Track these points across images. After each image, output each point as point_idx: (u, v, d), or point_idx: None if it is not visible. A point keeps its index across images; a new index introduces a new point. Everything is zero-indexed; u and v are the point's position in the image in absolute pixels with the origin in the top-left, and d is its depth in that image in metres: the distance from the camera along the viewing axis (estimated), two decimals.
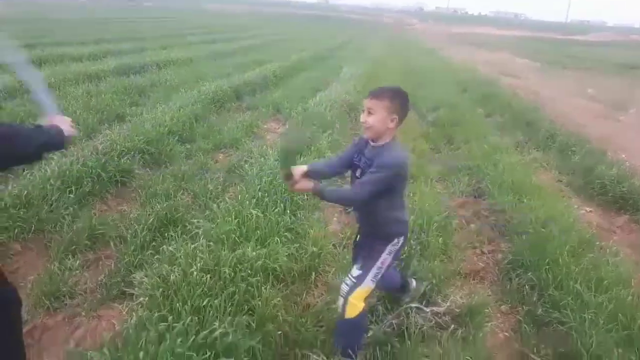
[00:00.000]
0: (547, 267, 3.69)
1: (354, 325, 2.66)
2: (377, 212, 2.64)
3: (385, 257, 2.68)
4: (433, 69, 17.66)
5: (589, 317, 3.05)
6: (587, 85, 17.48)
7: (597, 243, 4.41)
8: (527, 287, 3.64)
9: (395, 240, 2.69)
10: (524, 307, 3.51)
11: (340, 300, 2.66)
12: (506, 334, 3.30)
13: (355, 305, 2.60)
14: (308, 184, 2.60)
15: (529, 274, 3.75)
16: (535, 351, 3.00)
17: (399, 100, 2.51)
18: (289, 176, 2.59)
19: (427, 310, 3.27)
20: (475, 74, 16.84)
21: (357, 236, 2.96)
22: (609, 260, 3.87)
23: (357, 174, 2.64)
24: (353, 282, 2.65)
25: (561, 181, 6.51)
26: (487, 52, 32.73)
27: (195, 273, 3.05)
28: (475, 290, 3.69)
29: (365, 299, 2.65)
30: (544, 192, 5.36)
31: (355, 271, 2.68)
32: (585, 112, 11.96)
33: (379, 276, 2.68)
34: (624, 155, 8.00)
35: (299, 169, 2.66)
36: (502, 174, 5.80)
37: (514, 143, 8.04)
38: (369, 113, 2.51)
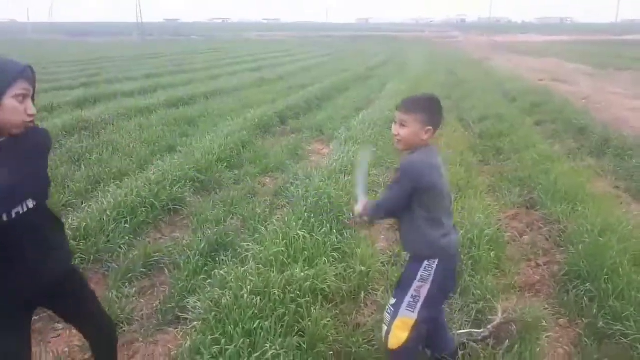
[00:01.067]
0: (607, 277, 3.53)
1: (398, 358, 2.54)
2: (403, 230, 2.50)
3: (419, 285, 2.43)
4: (478, 79, 17.40)
5: None
6: None
7: None
8: (585, 299, 3.49)
9: (426, 264, 2.41)
10: (584, 319, 3.36)
11: (383, 329, 2.53)
12: (566, 347, 3.17)
13: (396, 335, 2.44)
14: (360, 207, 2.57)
15: (587, 285, 3.59)
16: None
17: (432, 110, 2.38)
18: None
19: (479, 332, 3.17)
20: (522, 82, 16.46)
21: None
22: None
23: None
24: (391, 310, 2.51)
25: (618, 187, 6.23)
26: (534, 59, 31.94)
27: (245, 296, 3.11)
28: (532, 304, 3.57)
29: (411, 329, 2.43)
30: (599, 200, 5.15)
31: (392, 299, 2.54)
32: None
33: (419, 306, 2.43)
34: None
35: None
36: (554, 183, 5.62)
37: (566, 151, 7.78)
38: (401, 125, 2.37)
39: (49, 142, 2.00)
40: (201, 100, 12.83)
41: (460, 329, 3.23)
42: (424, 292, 2.43)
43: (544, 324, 3.23)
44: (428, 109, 2.39)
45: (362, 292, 3.71)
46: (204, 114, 10.73)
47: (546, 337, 3.20)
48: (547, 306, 3.64)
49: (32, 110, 1.82)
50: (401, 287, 2.52)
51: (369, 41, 64.55)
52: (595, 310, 3.36)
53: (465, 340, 3.07)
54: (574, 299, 3.59)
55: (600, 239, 4.10)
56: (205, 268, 3.98)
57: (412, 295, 2.44)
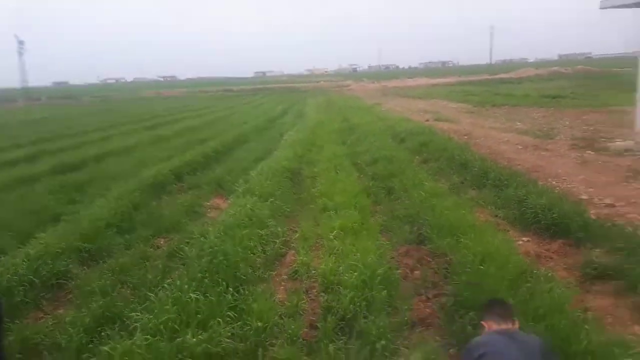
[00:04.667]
0: None
1: None
2: None
3: None
4: (370, 123, 18.25)
5: None
6: (516, 119, 18.49)
7: (535, 271, 4.56)
8: (470, 327, 3.69)
9: None
10: None
11: None
12: None
13: None
14: None
15: (471, 313, 3.81)
16: None
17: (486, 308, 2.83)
18: None
19: None
20: (410, 124, 17.51)
21: None
22: (544, 287, 3.99)
23: None
24: None
25: (498, 216, 6.75)
26: (422, 101, 34.22)
27: None
28: (424, 339, 3.71)
29: None
30: (480, 230, 5.54)
31: None
32: (515, 145, 12.59)
33: None
34: (554, 182, 8.43)
35: None
36: (439, 217, 5.98)
37: (450, 185, 8.33)
38: None
39: None
40: (92, 163, 12.26)
41: None
42: None
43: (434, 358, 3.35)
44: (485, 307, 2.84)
45: (260, 349, 3.66)
46: (94, 177, 10.25)
47: None
48: (438, 338, 3.80)
49: None
50: None
51: (269, 93, 65.88)
52: None
53: None
54: (461, 328, 3.78)
55: (481, 267, 4.39)
56: (90, 345, 3.73)
57: None
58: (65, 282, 5.01)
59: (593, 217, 6.12)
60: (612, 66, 66.08)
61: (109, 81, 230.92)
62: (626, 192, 7.48)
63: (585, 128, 14.72)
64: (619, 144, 11.26)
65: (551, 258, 5.27)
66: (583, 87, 32.82)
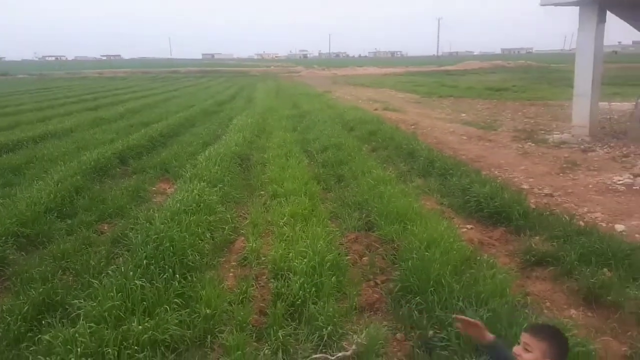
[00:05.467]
0: (432, 289, 3.88)
1: None
2: None
3: None
4: (321, 111, 18.27)
5: None
6: (461, 111, 19.03)
7: (478, 258, 4.73)
8: (416, 312, 3.79)
9: None
10: (416, 331, 3.64)
11: None
12: None
13: None
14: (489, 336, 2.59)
15: (417, 298, 3.91)
16: None
17: (556, 343, 2.39)
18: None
19: (333, 358, 3.27)
20: (360, 112, 17.66)
21: None
22: (486, 273, 4.14)
23: None
24: None
25: (443, 204, 6.94)
26: (371, 90, 34.59)
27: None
28: (371, 324, 3.77)
29: None
30: (426, 217, 5.68)
31: None
32: (460, 136, 12.97)
33: None
34: (496, 172, 8.76)
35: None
36: (387, 205, 6.08)
37: (398, 173, 8.48)
38: (525, 349, 2.39)
39: None
40: (29, 145, 11.65)
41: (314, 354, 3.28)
42: None
43: (379, 342, 3.41)
44: (554, 343, 2.39)
45: (209, 336, 3.62)
46: (32, 160, 9.75)
47: (384, 353, 3.41)
48: (385, 323, 3.88)
49: None
50: None
51: (217, 76, 64.61)
52: (425, 321, 3.67)
53: None
54: (407, 312, 3.88)
55: (427, 253, 4.51)
56: (30, 334, 3.57)
57: None
58: (1, 268, 4.75)
59: (533, 206, 6.41)
60: (552, 62, 69.15)
61: (48, 59, 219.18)
62: (563, 182, 7.87)
63: (526, 120, 15.35)
64: (557, 136, 11.82)
65: (493, 245, 5.48)
66: (524, 81, 34.15)
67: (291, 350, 3.40)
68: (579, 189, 7.45)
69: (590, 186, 7.59)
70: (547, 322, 2.76)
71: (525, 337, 2.41)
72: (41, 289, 4.09)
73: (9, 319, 3.71)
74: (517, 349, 2.43)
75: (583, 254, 4.64)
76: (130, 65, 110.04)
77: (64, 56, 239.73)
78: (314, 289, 4.09)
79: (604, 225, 5.84)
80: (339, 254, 4.91)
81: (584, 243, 4.83)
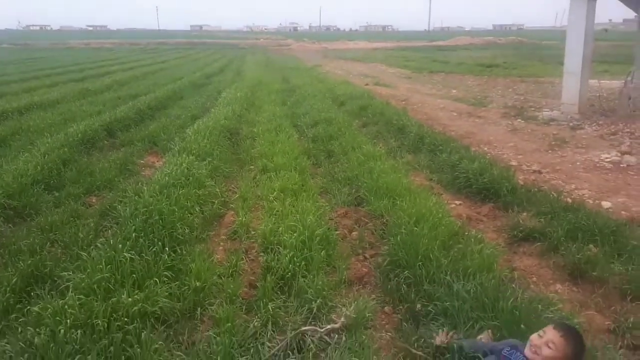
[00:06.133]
0: (420, 263, 3.92)
1: None
2: None
3: None
4: (311, 85, 18.13)
5: (457, 305, 3.29)
6: (452, 87, 18.99)
7: (466, 233, 4.77)
8: (404, 285, 3.83)
9: None
10: (404, 304, 3.69)
11: None
12: (390, 333, 3.44)
13: None
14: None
15: (406, 272, 3.95)
16: (415, 346, 3.15)
17: (579, 355, 2.45)
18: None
19: (322, 330, 3.30)
20: (350, 87, 17.55)
21: None
22: (474, 248, 4.19)
23: None
24: None
25: (432, 180, 6.97)
26: (362, 64, 34.35)
27: (62, 331, 2.84)
28: (360, 297, 3.81)
29: None
30: (415, 193, 5.70)
31: None
32: (450, 112, 12.96)
33: None
34: (486, 148, 8.80)
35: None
36: (376, 180, 6.09)
37: (388, 149, 8.47)
38: (548, 346, 2.43)
39: None
40: (14, 116, 11.44)
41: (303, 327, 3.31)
42: None
43: (368, 315, 3.45)
44: (578, 348, 2.44)
45: (199, 309, 3.63)
46: (17, 131, 9.59)
47: (372, 326, 3.46)
48: (373, 296, 3.92)
49: None
50: None
51: (206, 48, 63.65)
52: (413, 295, 3.71)
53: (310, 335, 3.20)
54: (396, 286, 3.91)
55: (416, 228, 4.53)
56: (19, 305, 3.56)
57: None
58: None
59: (521, 182, 6.46)
60: (543, 39, 68.93)
61: (32, 28, 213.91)
62: (552, 159, 7.93)
63: (516, 97, 15.37)
64: (546, 113, 11.85)
65: (481, 221, 5.53)
66: (515, 57, 34.09)
67: (281, 322, 3.43)
68: (567, 166, 7.51)
69: (578, 163, 7.66)
70: (573, 324, 2.84)
71: (552, 334, 2.48)
72: (29, 261, 4.06)
73: None
74: (536, 340, 2.51)
75: (570, 230, 4.70)
76: (117, 36, 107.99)
77: (49, 26, 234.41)
78: (303, 263, 4.10)
79: (590, 202, 5.91)
80: (329, 228, 4.93)
81: (570, 219, 4.88)
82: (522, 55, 36.97)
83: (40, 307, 3.21)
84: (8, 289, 3.70)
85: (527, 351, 2.56)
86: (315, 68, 30.24)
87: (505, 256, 4.52)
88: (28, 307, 3.36)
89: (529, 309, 3.21)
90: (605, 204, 5.84)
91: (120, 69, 27.98)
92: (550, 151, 8.50)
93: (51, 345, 2.78)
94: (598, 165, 7.54)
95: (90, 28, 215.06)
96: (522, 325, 3.05)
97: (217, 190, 6.20)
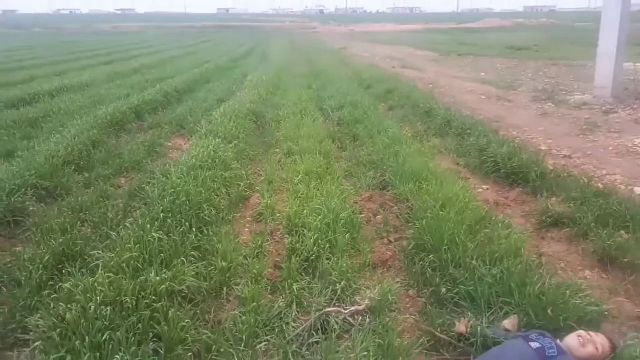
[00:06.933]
0: (446, 247, 3.89)
1: None
2: None
3: None
4: (336, 68, 18.04)
5: (483, 289, 3.26)
6: (480, 69, 18.63)
7: (493, 218, 4.71)
8: (429, 269, 3.82)
9: None
10: (429, 288, 3.67)
11: None
12: (414, 316, 3.44)
13: None
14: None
15: (431, 256, 3.93)
16: (439, 330, 3.14)
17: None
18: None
19: (346, 311, 3.32)
20: (376, 70, 17.40)
21: None
22: (501, 233, 4.13)
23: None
24: None
25: (459, 164, 6.88)
26: (388, 47, 33.91)
27: (93, 307, 2.92)
28: (384, 280, 3.81)
29: None
30: (441, 177, 5.64)
31: None
32: (479, 95, 12.73)
33: None
34: (515, 132, 8.62)
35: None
36: (402, 164, 6.04)
37: (414, 133, 8.39)
38: (595, 346, 2.69)
39: None
40: (45, 98, 11.69)
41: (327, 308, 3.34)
42: None
43: (392, 297, 3.45)
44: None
45: (224, 288, 3.69)
46: (48, 113, 9.80)
47: (396, 308, 3.46)
48: (398, 280, 3.91)
49: None
50: None
51: (232, 32, 63.72)
52: (437, 279, 3.69)
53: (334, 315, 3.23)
54: (420, 270, 3.90)
55: (441, 212, 4.49)
56: (51, 282, 3.67)
57: None
58: (22, 219, 4.85)
59: (550, 167, 6.31)
60: (575, 20, 66.85)
61: (62, 12, 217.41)
62: (582, 144, 7.74)
63: (546, 80, 14.98)
64: (577, 97, 11.54)
65: (509, 205, 5.45)
66: (546, 40, 33.14)
67: (305, 303, 3.46)
68: (598, 151, 7.31)
69: (610, 148, 7.45)
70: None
71: (604, 341, 2.73)
72: (61, 240, 4.17)
73: (31, 267, 3.80)
74: (586, 335, 2.73)
75: (600, 216, 4.58)
76: (144, 19, 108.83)
77: (79, 9, 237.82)
78: (327, 245, 4.12)
79: (622, 187, 5.75)
80: (353, 211, 4.92)
81: (601, 205, 4.75)
82: (554, 38, 35.95)
83: (71, 284, 3.29)
84: (40, 266, 3.81)
85: (572, 338, 2.74)
86: (341, 51, 30.02)
87: (532, 241, 4.44)
88: (60, 284, 3.45)
89: (556, 295, 3.16)
90: (638, 190, 5.68)
91: (147, 53, 28.31)
92: (581, 135, 8.29)
93: (82, 320, 2.86)
94: (631, 150, 7.32)
95: (119, 12, 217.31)
96: (549, 311, 3.01)
97: (243, 172, 6.25)
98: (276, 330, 3.16)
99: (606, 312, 3.23)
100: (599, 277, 3.92)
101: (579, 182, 5.58)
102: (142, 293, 3.16)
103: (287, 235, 4.57)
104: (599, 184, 5.70)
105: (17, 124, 8.79)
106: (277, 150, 7.54)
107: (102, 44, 37.77)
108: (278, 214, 5.08)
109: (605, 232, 4.28)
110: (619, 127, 8.73)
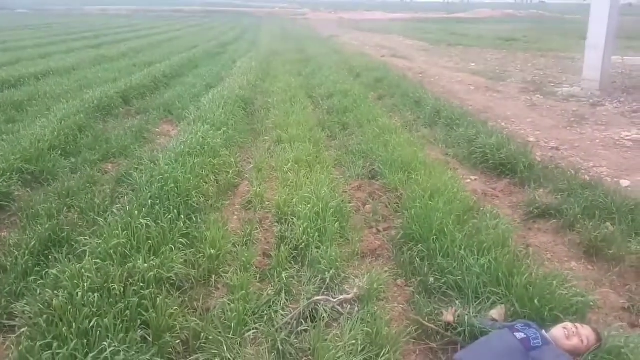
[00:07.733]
0: (435, 237, 3.91)
1: None
2: None
3: None
4: (326, 56, 17.93)
5: (470, 279, 3.29)
6: (470, 60, 18.64)
7: (481, 209, 4.74)
8: (418, 259, 3.84)
9: None
10: (417, 278, 3.69)
11: None
12: (402, 306, 3.46)
13: None
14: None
15: (419, 245, 3.95)
16: (427, 319, 3.17)
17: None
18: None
19: (335, 300, 3.32)
20: (366, 59, 17.34)
21: None
22: (489, 223, 4.16)
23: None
24: None
25: (448, 154, 6.90)
26: (378, 35, 33.77)
27: (80, 294, 2.90)
28: (373, 269, 3.82)
29: None
30: (430, 167, 5.66)
31: None
32: (468, 86, 12.75)
33: None
34: (503, 123, 8.67)
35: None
36: (391, 153, 6.04)
37: (403, 122, 8.39)
38: (581, 339, 2.74)
39: None
40: (31, 81, 11.49)
41: (316, 296, 3.34)
42: None
43: (380, 287, 3.47)
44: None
45: (213, 276, 3.68)
46: (34, 97, 9.63)
47: (385, 298, 3.48)
48: (386, 269, 3.93)
49: None
50: None
51: (221, 16, 63.02)
52: (426, 268, 3.71)
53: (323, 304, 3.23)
54: (409, 259, 3.92)
55: (430, 202, 4.51)
56: (37, 268, 3.63)
57: None
58: (7, 204, 4.78)
59: (538, 159, 6.37)
60: (565, 13, 67.07)
61: None
62: (570, 136, 7.80)
63: (535, 72, 15.04)
64: (566, 89, 11.61)
65: (497, 196, 5.48)
66: (536, 32, 33.22)
67: (294, 291, 3.47)
68: (585, 144, 7.38)
69: (597, 141, 7.52)
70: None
71: (589, 333, 2.77)
72: (47, 225, 4.12)
73: (17, 253, 3.75)
74: (572, 327, 2.77)
75: (587, 208, 4.63)
76: (133, 2, 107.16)
77: None
78: (317, 234, 4.11)
79: (609, 180, 5.82)
80: (343, 201, 4.93)
81: (588, 197, 4.81)
82: (543, 30, 36.05)
83: (58, 270, 3.26)
84: (27, 252, 3.76)
85: (558, 330, 2.78)
86: (331, 38, 29.85)
87: (520, 232, 4.48)
88: (46, 270, 3.42)
89: (543, 285, 3.19)
90: (624, 182, 5.75)
91: (135, 36, 27.90)
92: (569, 128, 8.35)
93: (69, 307, 2.83)
94: (618, 143, 7.39)
95: None
96: (535, 302, 3.05)
97: (232, 160, 6.21)
98: (265, 318, 3.16)
99: (592, 303, 3.27)
100: (584, 268, 3.97)
101: (566, 174, 5.63)
102: (130, 280, 3.14)
103: (276, 224, 4.57)
104: (586, 176, 5.75)
105: (1, 107, 8.62)
106: (266, 138, 7.50)
107: (89, 26, 37.14)
108: (267, 202, 5.07)
109: (591, 224, 4.33)
110: (607, 120, 8.80)
